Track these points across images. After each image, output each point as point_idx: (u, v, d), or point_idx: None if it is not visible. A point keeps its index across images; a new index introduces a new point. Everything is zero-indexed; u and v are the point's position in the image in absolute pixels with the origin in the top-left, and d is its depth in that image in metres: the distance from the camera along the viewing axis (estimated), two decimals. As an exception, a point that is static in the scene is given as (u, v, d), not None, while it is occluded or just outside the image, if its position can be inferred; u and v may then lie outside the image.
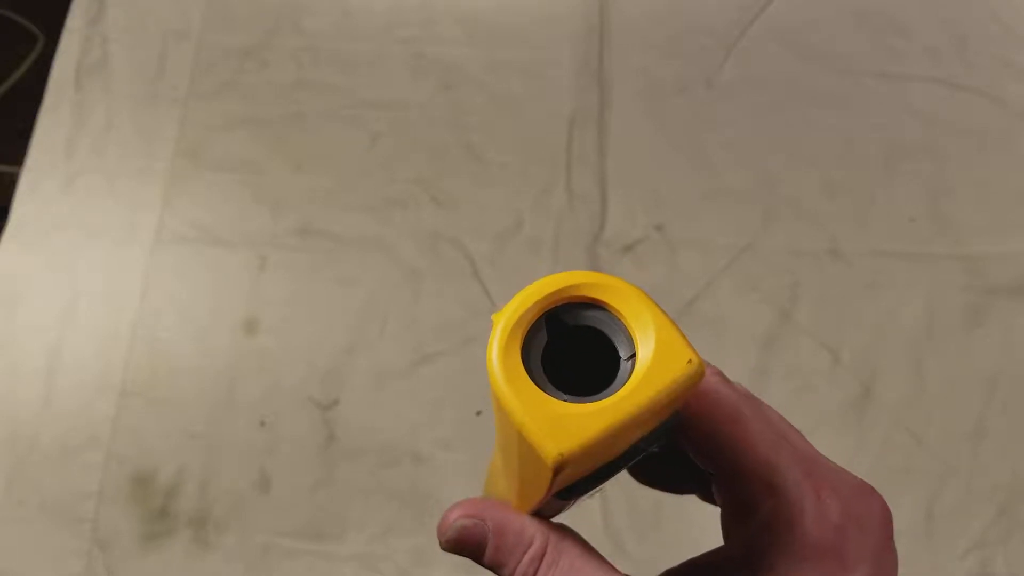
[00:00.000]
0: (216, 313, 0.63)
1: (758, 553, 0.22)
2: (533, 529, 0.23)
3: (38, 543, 0.57)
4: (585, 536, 0.24)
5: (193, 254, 0.64)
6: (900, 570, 0.23)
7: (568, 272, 0.20)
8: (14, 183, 0.67)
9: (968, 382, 0.60)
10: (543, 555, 0.22)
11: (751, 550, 0.22)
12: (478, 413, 0.59)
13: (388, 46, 0.72)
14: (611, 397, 0.18)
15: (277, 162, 0.68)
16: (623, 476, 0.26)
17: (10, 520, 0.57)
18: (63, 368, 0.61)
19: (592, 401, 0.18)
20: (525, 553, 0.23)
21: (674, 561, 0.25)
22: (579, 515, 0.27)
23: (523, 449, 0.19)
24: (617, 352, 0.19)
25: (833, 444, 0.60)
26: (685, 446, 0.24)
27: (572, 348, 0.20)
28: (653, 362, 0.18)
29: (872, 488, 0.23)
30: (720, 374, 0.24)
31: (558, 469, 0.18)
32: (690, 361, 0.18)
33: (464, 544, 0.23)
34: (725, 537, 0.24)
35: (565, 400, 0.18)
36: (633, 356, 0.19)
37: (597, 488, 0.22)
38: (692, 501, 0.27)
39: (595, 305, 0.20)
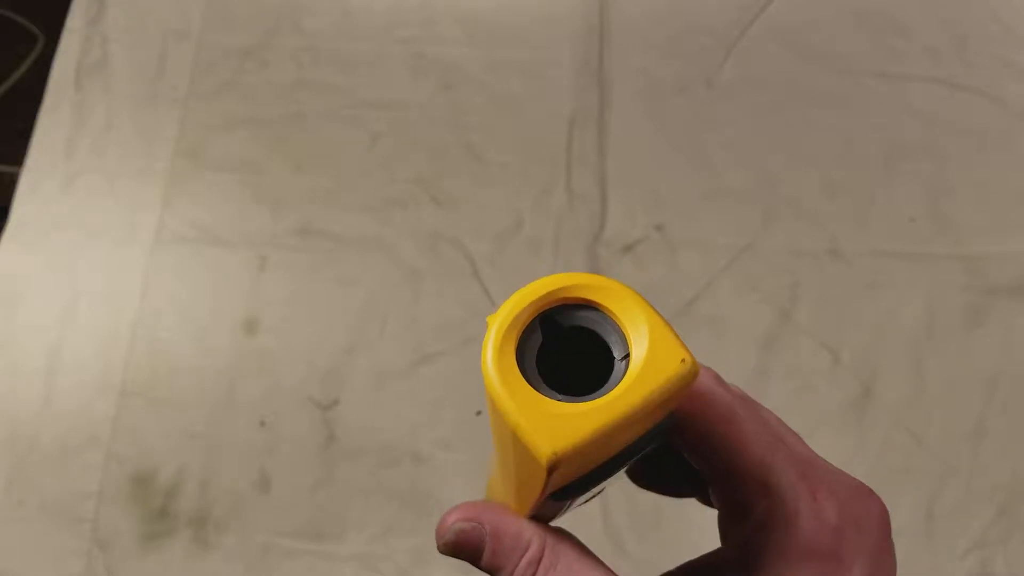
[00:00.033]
0: (216, 313, 0.63)
1: (754, 554, 0.22)
2: (530, 532, 0.23)
3: (38, 543, 0.57)
4: (585, 536, 0.24)
5: (193, 254, 0.64)
6: (900, 570, 0.23)
7: (562, 274, 0.20)
8: (14, 183, 0.67)
9: (968, 382, 0.60)
10: (540, 558, 0.23)
11: (747, 551, 0.22)
12: (478, 413, 0.59)
13: (388, 46, 0.72)
14: (605, 397, 0.18)
15: (277, 162, 0.68)
16: (623, 478, 0.26)
17: (10, 520, 0.57)
18: (63, 368, 0.61)
19: (586, 401, 0.18)
20: (522, 557, 0.23)
21: (674, 562, 0.25)
22: (579, 516, 0.27)
23: (518, 449, 0.19)
24: (611, 352, 0.19)
25: (833, 444, 0.61)
26: (681, 447, 0.24)
27: (566, 349, 0.20)
28: (646, 362, 0.19)
29: (870, 489, 0.23)
30: (716, 376, 0.24)
31: (552, 468, 0.18)
32: (683, 360, 0.19)
33: (462, 547, 0.23)
34: (722, 539, 0.24)
35: (559, 400, 0.19)
36: (627, 356, 0.19)
37: (595, 490, 0.22)
38: (692, 502, 0.27)
39: (589, 306, 0.20)
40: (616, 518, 0.57)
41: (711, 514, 0.25)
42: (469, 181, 0.67)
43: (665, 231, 0.65)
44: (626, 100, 0.69)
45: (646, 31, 0.72)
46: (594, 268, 0.63)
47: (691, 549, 0.25)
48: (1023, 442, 0.58)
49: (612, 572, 0.23)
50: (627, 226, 0.65)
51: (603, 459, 0.20)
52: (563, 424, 0.18)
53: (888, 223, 0.65)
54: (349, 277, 0.64)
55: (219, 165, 0.67)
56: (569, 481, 0.20)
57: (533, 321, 0.20)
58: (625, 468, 0.22)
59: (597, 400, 0.18)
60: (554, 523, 0.24)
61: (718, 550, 0.24)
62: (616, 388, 0.18)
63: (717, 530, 0.25)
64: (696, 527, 0.28)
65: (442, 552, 0.24)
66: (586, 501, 0.25)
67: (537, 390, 0.19)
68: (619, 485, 0.26)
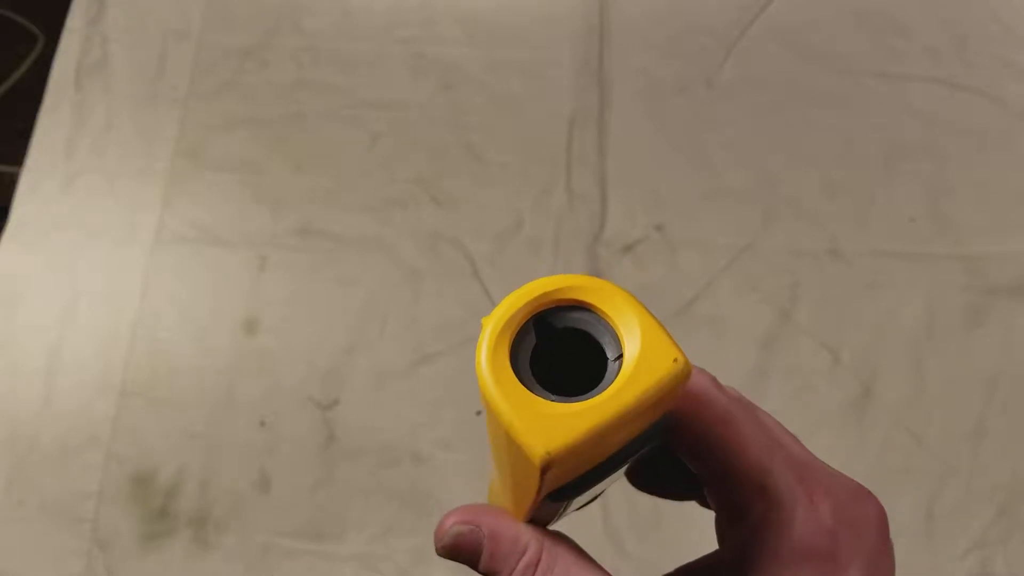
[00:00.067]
0: (216, 313, 0.63)
1: (750, 556, 0.22)
2: (528, 536, 0.23)
3: (38, 543, 0.57)
4: (585, 537, 0.24)
5: (193, 254, 0.64)
6: (900, 570, 0.23)
7: (555, 276, 0.20)
8: (14, 183, 0.67)
9: (968, 382, 0.60)
10: (538, 562, 0.23)
11: (744, 554, 0.22)
12: (478, 413, 0.59)
13: (388, 46, 0.72)
14: (598, 397, 0.18)
15: (277, 162, 0.68)
16: (622, 480, 0.26)
17: (10, 520, 0.57)
18: (63, 368, 0.61)
19: (579, 401, 0.19)
20: (520, 560, 0.23)
21: (674, 562, 0.25)
22: (579, 517, 0.28)
23: (512, 450, 0.19)
24: (604, 353, 0.20)
25: (833, 444, 0.61)
26: (678, 450, 0.24)
27: (560, 350, 0.20)
28: (639, 362, 0.19)
29: (868, 491, 0.23)
30: (712, 379, 0.24)
31: (545, 468, 0.18)
32: (676, 360, 0.19)
33: (459, 550, 0.24)
34: (719, 541, 0.24)
35: (553, 400, 0.19)
36: (620, 357, 0.19)
37: (592, 492, 0.22)
38: (692, 503, 0.27)
39: (582, 307, 0.20)
40: (616, 519, 0.57)
41: (711, 515, 0.25)
42: (469, 181, 0.67)
43: (665, 231, 0.65)
44: (626, 100, 0.69)
45: (646, 31, 0.72)
46: (594, 268, 0.63)
47: (691, 550, 0.25)
48: (1023, 442, 0.58)
49: (608, 574, 0.23)
50: (627, 226, 0.65)
51: (598, 460, 0.20)
52: (556, 424, 0.18)
53: (888, 223, 0.65)
54: (349, 277, 0.64)
55: (219, 165, 0.67)
56: (564, 482, 0.20)
57: (527, 323, 0.20)
58: (622, 470, 0.22)
59: (590, 400, 0.18)
60: (554, 526, 0.24)
61: (715, 552, 0.24)
62: (609, 388, 0.19)
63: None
64: (696, 528, 0.28)
65: (440, 555, 0.24)
66: (585, 504, 0.25)
67: (531, 391, 0.19)
68: (619, 486, 0.26)
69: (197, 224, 0.65)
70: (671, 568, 0.25)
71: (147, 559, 0.56)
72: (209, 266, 0.64)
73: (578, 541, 0.24)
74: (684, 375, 0.19)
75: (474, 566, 0.24)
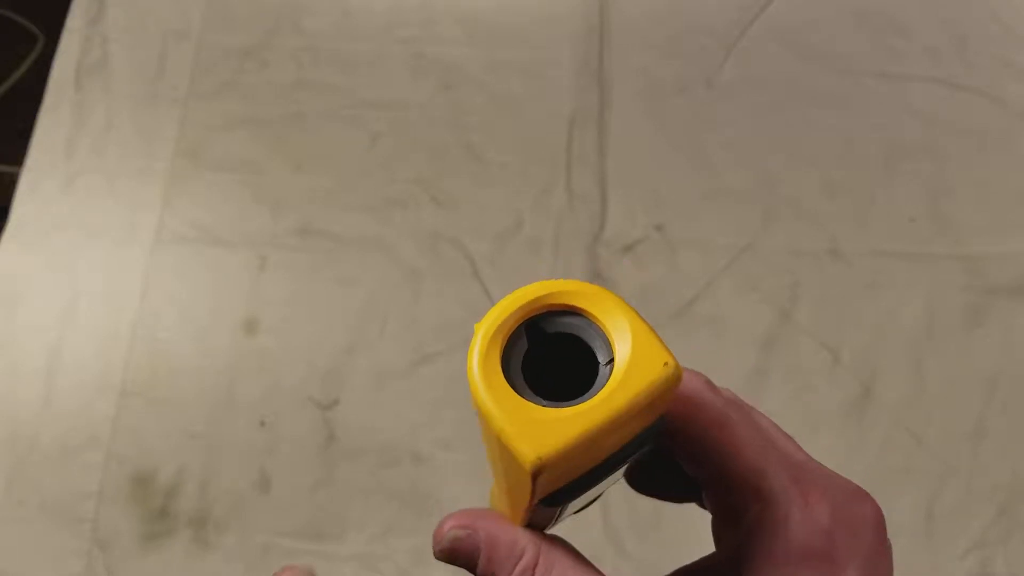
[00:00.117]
0: (216, 313, 0.63)
1: (746, 558, 0.22)
2: (525, 540, 0.23)
3: (38, 543, 0.57)
4: (585, 538, 0.24)
5: (193, 254, 0.64)
6: (899, 570, 0.23)
7: (546, 280, 0.20)
8: (14, 183, 0.67)
9: (968, 382, 0.60)
10: (535, 566, 0.23)
11: (740, 556, 0.22)
12: (478, 413, 0.59)
13: (388, 46, 0.72)
14: (588, 401, 0.19)
15: (277, 162, 0.68)
16: (623, 480, 0.26)
17: (10, 520, 0.57)
18: (63, 368, 0.61)
19: (570, 406, 0.19)
20: (517, 564, 0.23)
21: (675, 562, 0.25)
22: (579, 517, 0.27)
23: (505, 456, 0.19)
24: (596, 358, 0.20)
25: (833, 444, 0.61)
26: (673, 453, 0.24)
27: (552, 355, 0.20)
28: (630, 366, 0.19)
29: (864, 492, 0.23)
30: (706, 381, 0.24)
31: (536, 473, 0.18)
32: (666, 364, 0.19)
33: (457, 554, 0.24)
34: (716, 543, 0.24)
35: (543, 405, 0.19)
36: (611, 361, 0.19)
37: (588, 496, 0.22)
38: (692, 504, 0.28)
39: (574, 312, 0.20)
40: (616, 519, 0.57)
41: (710, 515, 0.25)
42: (469, 181, 0.67)
43: (665, 231, 0.65)
44: (626, 100, 0.69)
45: (646, 31, 0.72)
46: (594, 268, 0.63)
47: (691, 550, 0.25)
48: (1023, 442, 0.58)
49: None
50: (627, 226, 0.65)
51: (591, 465, 0.20)
52: (547, 429, 0.18)
53: (888, 223, 0.65)
54: (349, 277, 0.64)
55: (219, 165, 0.67)
56: (558, 487, 0.20)
57: (519, 328, 0.20)
58: (617, 474, 0.22)
59: (581, 405, 0.18)
60: (553, 529, 0.24)
61: (712, 555, 0.24)
62: (600, 393, 0.19)
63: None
64: (696, 528, 0.28)
65: (438, 558, 0.24)
66: (583, 507, 0.25)
67: (522, 396, 0.19)
68: (618, 486, 0.26)
69: (197, 224, 0.65)
70: (671, 568, 0.25)
71: (147, 559, 0.56)
72: (209, 266, 0.64)
73: (578, 542, 0.24)
74: (675, 379, 0.19)
75: (472, 570, 0.24)
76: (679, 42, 0.72)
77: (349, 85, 0.70)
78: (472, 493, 0.57)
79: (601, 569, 0.23)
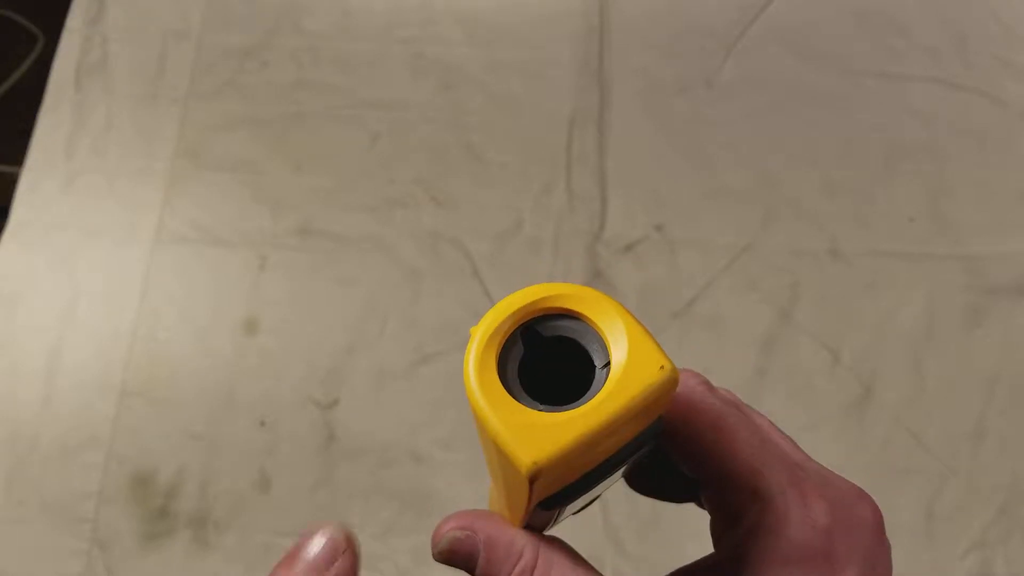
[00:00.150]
0: (216, 313, 0.63)
1: (745, 559, 0.22)
2: (523, 541, 0.23)
3: (38, 543, 0.57)
4: (585, 537, 0.24)
5: (193, 254, 0.64)
6: (900, 570, 0.23)
7: (542, 284, 0.20)
8: (14, 183, 0.67)
9: (968, 382, 0.60)
10: (533, 567, 0.23)
11: (738, 556, 0.22)
12: (478, 413, 0.59)
13: (388, 46, 0.72)
14: (585, 405, 0.18)
15: (277, 162, 0.68)
16: (622, 480, 0.26)
17: (10, 520, 0.57)
18: (63, 368, 0.61)
19: (566, 410, 0.18)
20: (515, 566, 0.23)
21: (674, 562, 0.25)
22: (579, 517, 0.27)
23: (502, 460, 0.19)
24: (592, 361, 0.19)
25: (833, 444, 0.61)
26: (672, 455, 0.24)
27: (548, 359, 0.20)
28: (626, 369, 0.19)
29: (863, 492, 0.23)
30: (705, 382, 0.24)
31: (533, 478, 0.18)
32: (662, 367, 0.19)
33: (456, 556, 0.24)
34: (715, 544, 0.24)
35: (540, 410, 0.19)
36: (608, 365, 0.19)
37: (586, 498, 0.22)
38: (692, 503, 0.27)
39: (570, 316, 0.20)
40: (616, 519, 0.57)
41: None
42: (469, 181, 0.67)
43: (665, 231, 0.65)
44: (626, 100, 0.69)
45: (646, 31, 0.72)
46: (594, 268, 0.63)
47: (691, 549, 0.25)
48: (1023, 442, 0.58)
49: None
50: (627, 226, 0.65)
51: (588, 467, 0.20)
52: (544, 434, 0.18)
53: (888, 223, 0.65)
54: (349, 277, 0.64)
55: (219, 165, 0.67)
56: (555, 490, 0.20)
57: (515, 332, 0.20)
58: (616, 476, 0.22)
59: (577, 409, 0.18)
60: (552, 530, 0.24)
61: (711, 555, 0.24)
62: (596, 396, 0.19)
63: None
64: (696, 528, 0.28)
65: (437, 560, 0.24)
66: (582, 508, 0.25)
67: (518, 400, 0.19)
68: (618, 487, 0.26)
69: (197, 224, 0.65)
70: (671, 568, 0.25)
71: (147, 559, 0.56)
72: (209, 266, 0.64)
73: (578, 541, 0.24)
74: (671, 382, 0.19)
75: (471, 571, 0.24)
76: (679, 42, 0.72)
77: (349, 85, 0.70)
78: (472, 493, 0.57)
79: (601, 569, 0.23)
